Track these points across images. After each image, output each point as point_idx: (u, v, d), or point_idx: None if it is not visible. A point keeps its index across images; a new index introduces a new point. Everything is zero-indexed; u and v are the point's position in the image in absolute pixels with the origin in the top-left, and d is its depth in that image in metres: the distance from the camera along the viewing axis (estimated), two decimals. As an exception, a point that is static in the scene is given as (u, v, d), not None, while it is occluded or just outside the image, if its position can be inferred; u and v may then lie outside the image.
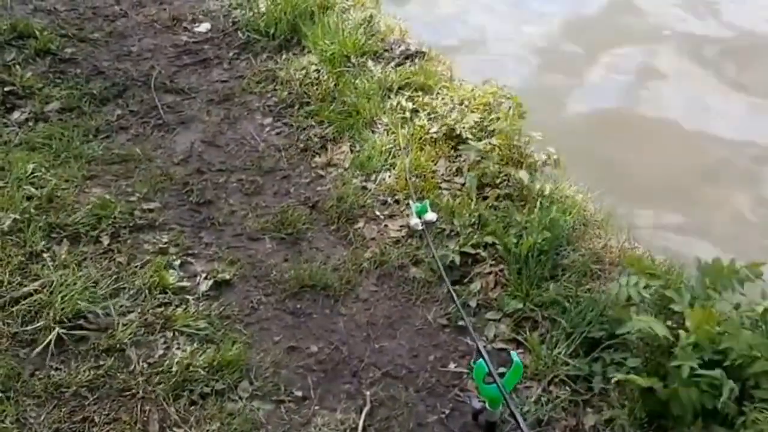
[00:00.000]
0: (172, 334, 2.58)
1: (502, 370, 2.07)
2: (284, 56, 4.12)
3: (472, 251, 2.96)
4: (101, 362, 2.47)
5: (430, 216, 2.94)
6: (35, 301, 2.62)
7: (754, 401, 2.19)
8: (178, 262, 2.87)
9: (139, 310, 2.65)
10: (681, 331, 2.26)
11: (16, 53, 3.97)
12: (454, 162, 3.43)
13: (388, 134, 3.54)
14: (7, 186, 3.08)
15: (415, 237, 3.05)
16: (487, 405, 1.88)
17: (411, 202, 3.03)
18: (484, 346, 2.55)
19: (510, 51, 4.83)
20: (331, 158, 3.46)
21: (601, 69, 4.73)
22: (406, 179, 3.20)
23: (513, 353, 1.94)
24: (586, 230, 3.09)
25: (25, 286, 2.68)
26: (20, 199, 3.01)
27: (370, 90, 3.78)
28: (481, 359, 1.82)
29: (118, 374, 2.43)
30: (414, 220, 2.98)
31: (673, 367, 2.19)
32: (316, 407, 2.43)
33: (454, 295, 2.38)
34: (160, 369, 2.46)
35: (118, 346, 2.52)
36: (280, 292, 2.81)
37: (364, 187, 3.30)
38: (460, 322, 2.68)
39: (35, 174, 3.17)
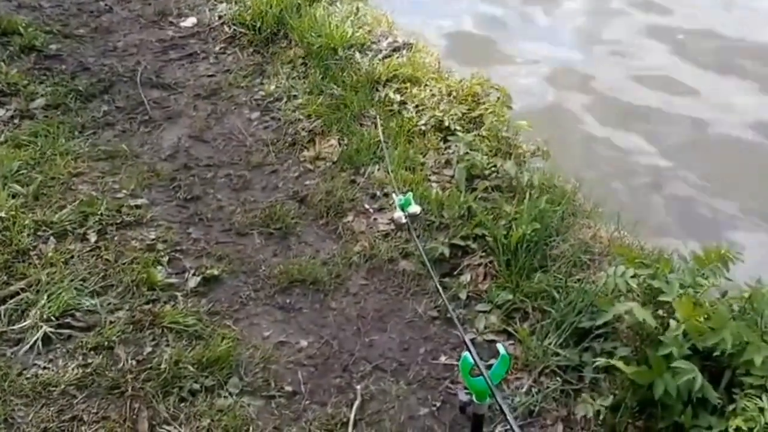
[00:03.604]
0: (160, 331, 2.57)
1: (492, 362, 2.06)
2: (271, 50, 4.10)
3: (462, 243, 2.95)
4: (89, 360, 2.45)
5: (414, 209, 2.92)
6: (22, 299, 2.60)
7: (744, 388, 2.19)
8: (166, 259, 2.85)
9: (127, 308, 2.63)
10: (671, 321, 2.26)
11: (0, 50, 3.94)
12: (442, 154, 3.42)
13: (376, 127, 3.52)
14: (-7, 184, 3.06)
15: (403, 230, 3.03)
16: (474, 398, 1.87)
17: (394, 195, 3.01)
18: (473, 339, 2.55)
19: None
20: (320, 152, 3.44)
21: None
22: (387, 172, 3.18)
23: (499, 345, 1.92)
24: (576, 220, 3.09)
25: (12, 284, 2.66)
26: (6, 197, 2.98)
27: (357, 83, 3.77)
28: (466, 352, 1.80)
29: (107, 372, 2.41)
30: (398, 213, 2.96)
31: (655, 353, 2.19)
32: (307, 402, 2.41)
33: (440, 289, 2.37)
34: (149, 366, 2.44)
35: (106, 343, 2.50)
36: (269, 288, 2.80)
37: (353, 181, 3.29)
38: (449, 314, 2.67)
39: (21, 171, 3.14)
